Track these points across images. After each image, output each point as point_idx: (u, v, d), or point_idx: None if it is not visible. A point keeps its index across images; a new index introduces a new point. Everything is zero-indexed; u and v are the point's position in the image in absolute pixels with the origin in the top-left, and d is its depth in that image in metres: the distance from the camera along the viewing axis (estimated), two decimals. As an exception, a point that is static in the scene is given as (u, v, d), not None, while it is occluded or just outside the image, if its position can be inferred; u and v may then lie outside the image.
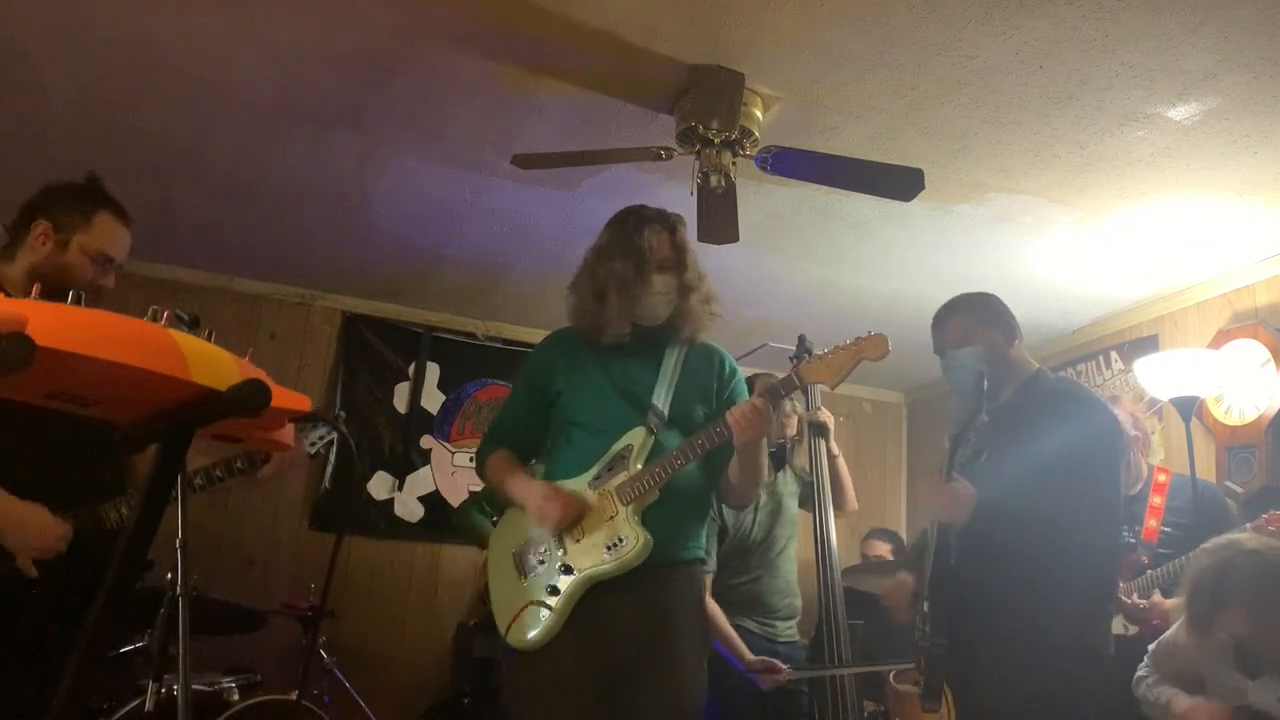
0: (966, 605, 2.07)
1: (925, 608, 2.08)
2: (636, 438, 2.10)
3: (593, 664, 1.99)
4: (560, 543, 2.09)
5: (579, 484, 2.11)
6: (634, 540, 2.01)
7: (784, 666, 2.91)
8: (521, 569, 2.14)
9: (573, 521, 2.07)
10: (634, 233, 2.17)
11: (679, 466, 2.05)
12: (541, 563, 2.10)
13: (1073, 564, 2.01)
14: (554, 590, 2.04)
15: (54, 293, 1.88)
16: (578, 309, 2.22)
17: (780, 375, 3.12)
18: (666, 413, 2.15)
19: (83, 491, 1.88)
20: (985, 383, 2.16)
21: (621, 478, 2.07)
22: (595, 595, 2.03)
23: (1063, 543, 2.00)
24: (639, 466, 2.07)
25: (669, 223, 2.22)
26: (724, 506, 3.00)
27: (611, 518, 2.05)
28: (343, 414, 2.79)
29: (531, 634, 2.03)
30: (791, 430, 3.23)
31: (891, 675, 3.06)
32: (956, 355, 2.33)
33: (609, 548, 2.03)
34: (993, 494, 2.07)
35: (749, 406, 2.03)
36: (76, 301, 0.92)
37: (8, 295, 1.84)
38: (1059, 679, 1.97)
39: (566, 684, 1.98)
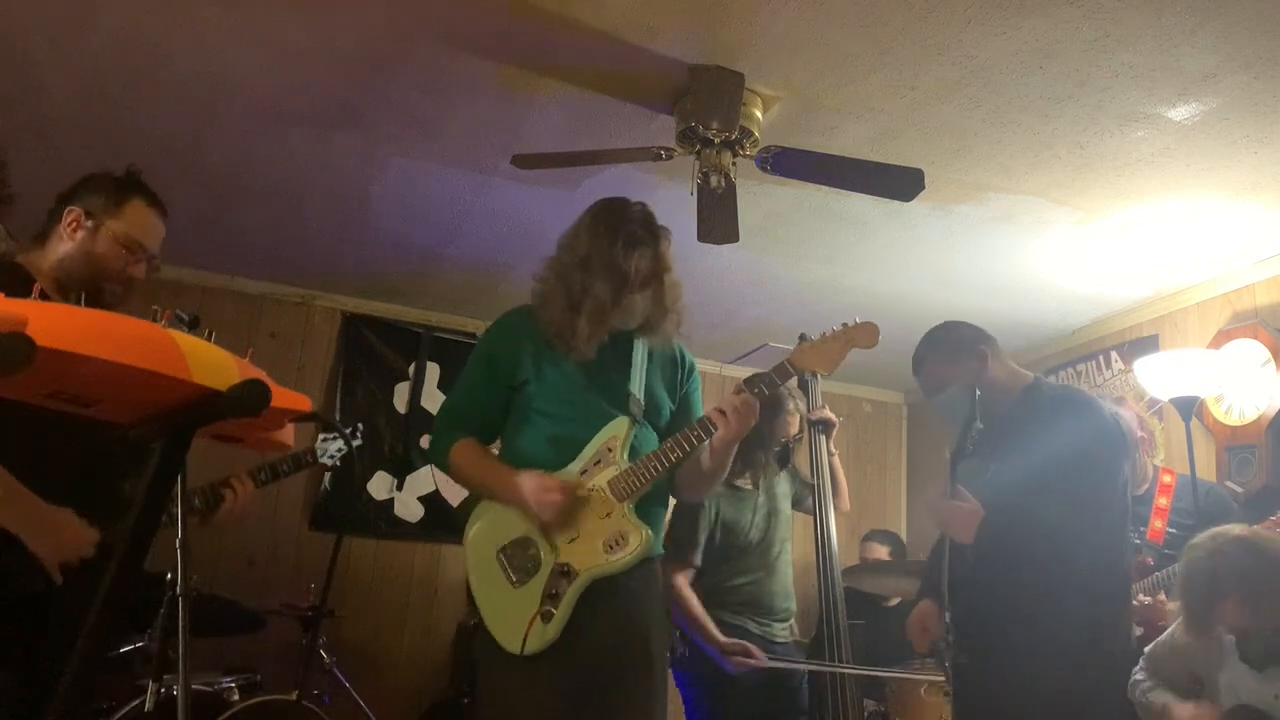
0: (982, 612, 2.08)
1: (948, 618, 2.07)
2: (620, 429, 2.04)
3: (576, 664, 1.95)
4: (552, 543, 2.00)
5: (564, 477, 2.03)
6: (638, 537, 1.96)
7: (759, 652, 2.88)
8: (512, 572, 2.03)
9: (566, 519, 1.99)
10: (623, 255, 2.05)
11: (675, 460, 2.00)
12: (534, 564, 2.01)
13: (1080, 569, 2.02)
14: (555, 596, 1.96)
15: (84, 282, 1.86)
16: (548, 313, 2.10)
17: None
18: (643, 401, 2.10)
19: (108, 503, 1.87)
20: (978, 394, 2.17)
21: (611, 472, 2.00)
22: (585, 596, 1.97)
23: (1068, 548, 2.02)
24: (624, 459, 2.01)
25: (656, 240, 2.11)
26: (722, 504, 3.00)
27: (608, 514, 1.99)
28: (361, 426, 2.75)
29: (536, 643, 1.95)
30: (794, 430, 3.23)
31: (923, 690, 3.05)
32: (940, 401, 2.35)
33: (610, 546, 1.96)
34: (999, 505, 2.08)
35: (741, 401, 1.99)
36: (77, 302, 0.92)
37: (34, 281, 1.85)
38: (1072, 682, 1.99)
39: (548, 687, 1.93)
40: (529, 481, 1.98)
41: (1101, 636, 2.08)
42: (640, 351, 2.15)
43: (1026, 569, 2.04)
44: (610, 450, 2.03)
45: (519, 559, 2.03)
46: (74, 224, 1.90)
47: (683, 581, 2.96)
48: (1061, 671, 1.99)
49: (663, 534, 2.17)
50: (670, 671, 3.03)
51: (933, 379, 2.36)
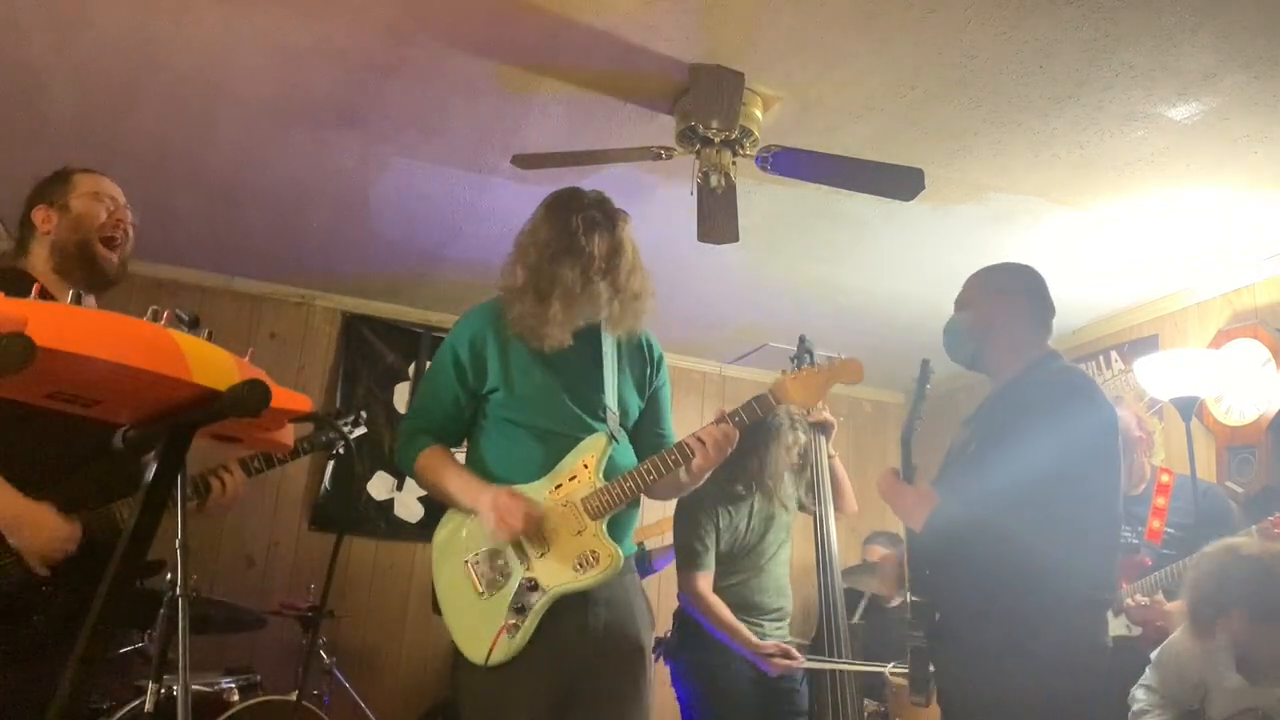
0: (943, 603, 2.04)
1: (910, 598, 2.07)
2: (598, 446, 2.02)
3: (554, 671, 1.94)
4: (523, 556, 1.99)
5: (536, 491, 2.01)
6: (607, 557, 1.94)
7: (799, 655, 2.89)
8: (479, 583, 2.01)
9: (535, 533, 1.97)
10: (583, 237, 2.03)
11: (650, 482, 1.99)
12: (503, 576, 1.99)
13: (1058, 571, 1.90)
14: (521, 609, 1.95)
15: (80, 247, 1.98)
16: (516, 309, 2.06)
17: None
18: (617, 412, 2.08)
19: (100, 491, 1.88)
20: (931, 372, 2.14)
21: (585, 489, 1.99)
22: (557, 603, 1.97)
23: (1046, 550, 1.90)
24: (599, 476, 1.99)
25: (613, 223, 2.09)
26: (721, 510, 3.00)
27: (579, 532, 1.97)
28: (364, 414, 2.69)
29: (500, 655, 1.94)
30: (793, 460, 3.19)
31: (888, 669, 3.06)
32: (951, 318, 2.27)
33: (580, 564, 1.95)
34: (974, 487, 1.98)
35: (720, 432, 1.97)
36: (76, 301, 0.92)
37: (37, 281, 1.87)
38: (1042, 684, 1.89)
39: (528, 696, 1.92)
40: (495, 499, 1.96)
41: (1074, 638, 1.96)
42: (611, 355, 2.12)
43: (995, 567, 1.95)
44: (586, 466, 2.00)
45: (487, 570, 2.01)
46: (44, 218, 2.02)
47: (705, 587, 2.95)
48: (1037, 676, 1.89)
49: (633, 535, 2.16)
50: (669, 669, 3.04)
51: (965, 293, 2.28)
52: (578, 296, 2.03)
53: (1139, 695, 2.46)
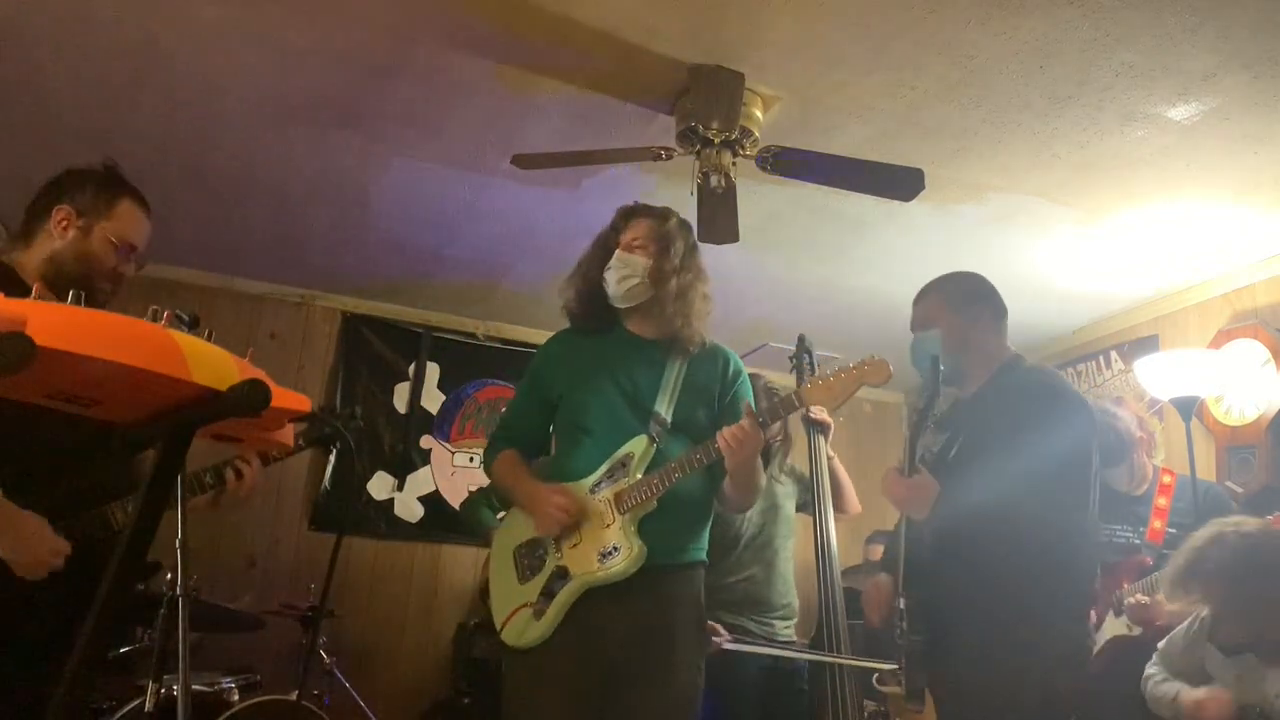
0: (942, 601, 2.04)
1: (902, 604, 2.05)
2: (639, 446, 2.09)
3: (585, 666, 1.99)
4: (558, 546, 2.10)
5: (580, 488, 2.11)
6: (627, 550, 2.00)
7: (723, 631, 2.83)
8: (520, 569, 2.14)
9: (572, 525, 2.07)
10: (620, 221, 2.25)
11: (675, 480, 2.03)
12: (540, 565, 2.11)
13: (1047, 563, 1.95)
14: (548, 594, 2.05)
15: (75, 280, 1.83)
16: (564, 295, 2.28)
17: (767, 379, 3.11)
18: (669, 419, 2.13)
19: (91, 494, 1.84)
20: (941, 368, 2.12)
21: (620, 485, 2.06)
22: (590, 599, 2.02)
23: (1033, 542, 1.95)
24: (638, 475, 2.06)
25: (655, 213, 2.24)
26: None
27: (608, 525, 2.04)
28: (359, 409, 2.67)
29: (524, 636, 2.05)
30: (771, 433, 3.17)
31: (874, 678, 3.04)
32: (919, 338, 2.27)
33: (603, 556, 2.02)
34: (961, 491, 2.01)
35: (738, 429, 1.99)
36: (76, 301, 0.92)
37: (23, 282, 1.83)
38: (1035, 677, 1.92)
39: (557, 686, 1.99)
40: (539, 494, 2.10)
41: (1066, 634, 2.02)
42: (675, 367, 2.19)
43: (989, 562, 1.98)
44: (624, 465, 2.08)
45: (529, 558, 2.14)
46: (64, 223, 1.88)
47: None
48: (1011, 664, 1.92)
49: (695, 547, 2.17)
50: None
51: (924, 313, 2.30)
52: (595, 265, 2.20)
53: (1150, 671, 2.45)
